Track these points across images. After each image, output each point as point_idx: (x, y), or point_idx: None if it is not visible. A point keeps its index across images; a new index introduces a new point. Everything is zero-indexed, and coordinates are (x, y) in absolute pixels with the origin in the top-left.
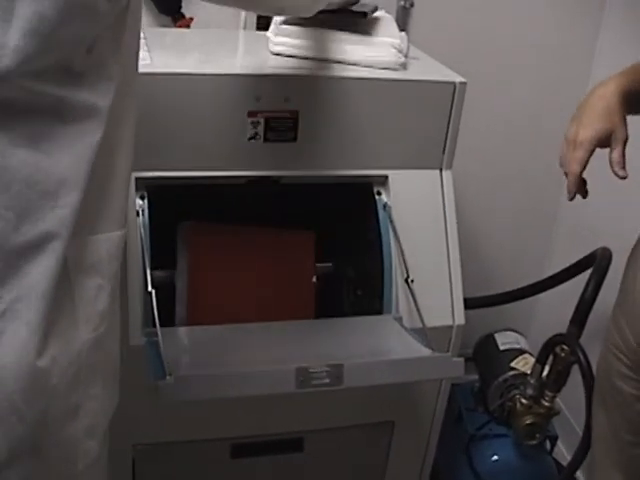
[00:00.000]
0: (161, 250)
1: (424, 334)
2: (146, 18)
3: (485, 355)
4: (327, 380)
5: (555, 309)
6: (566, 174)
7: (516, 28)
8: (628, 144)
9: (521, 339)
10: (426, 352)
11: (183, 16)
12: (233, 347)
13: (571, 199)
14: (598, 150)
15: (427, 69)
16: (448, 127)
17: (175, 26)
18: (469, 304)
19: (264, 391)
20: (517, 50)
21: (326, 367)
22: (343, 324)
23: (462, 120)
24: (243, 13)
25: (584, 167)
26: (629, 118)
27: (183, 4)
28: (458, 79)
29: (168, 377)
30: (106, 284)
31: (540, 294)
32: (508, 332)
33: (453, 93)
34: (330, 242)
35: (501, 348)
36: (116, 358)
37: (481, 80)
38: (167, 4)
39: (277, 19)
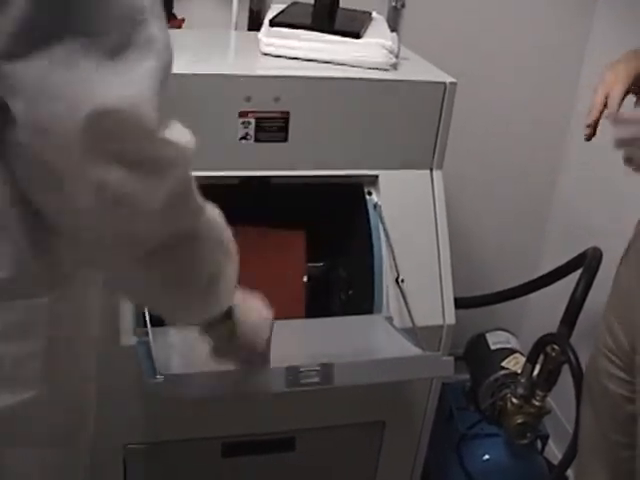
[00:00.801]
0: None
1: (414, 334)
2: None
3: (476, 355)
4: (317, 379)
5: (546, 309)
6: (595, 111)
7: (507, 29)
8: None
9: (512, 339)
10: (416, 351)
11: (174, 16)
12: None
13: (590, 134)
14: (590, 154)
15: (418, 69)
16: (438, 127)
17: None
18: (460, 304)
19: (254, 390)
20: (508, 51)
21: (316, 366)
22: (333, 324)
23: (452, 121)
24: (234, 14)
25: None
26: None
27: (174, 4)
28: (448, 79)
29: (158, 376)
30: (38, 348)
31: (531, 294)
32: (499, 332)
33: (443, 93)
34: (321, 242)
35: (492, 348)
36: (66, 413)
37: (471, 81)
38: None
39: (268, 20)
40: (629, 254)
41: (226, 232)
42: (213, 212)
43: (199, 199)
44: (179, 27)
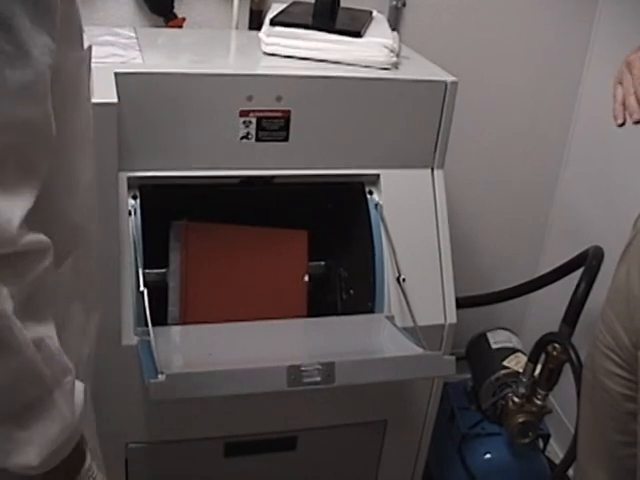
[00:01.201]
0: (154, 249)
1: (416, 333)
2: (138, 18)
3: (477, 354)
4: (319, 378)
5: (547, 308)
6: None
7: (509, 27)
8: (622, 145)
9: (513, 338)
10: (418, 351)
11: (175, 16)
12: (225, 346)
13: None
14: (592, 153)
15: (419, 68)
16: (439, 126)
17: (167, 26)
18: (462, 303)
19: (256, 389)
20: (510, 49)
21: (318, 365)
22: (335, 323)
23: (453, 120)
24: (235, 13)
25: None
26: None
27: (175, 4)
28: (450, 78)
29: (160, 376)
30: None
31: (532, 293)
32: (500, 331)
33: (444, 92)
34: (322, 241)
35: (493, 347)
36: None
37: (472, 80)
38: (159, 4)
39: (269, 19)
40: (629, 249)
41: (60, 374)
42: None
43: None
44: (180, 27)
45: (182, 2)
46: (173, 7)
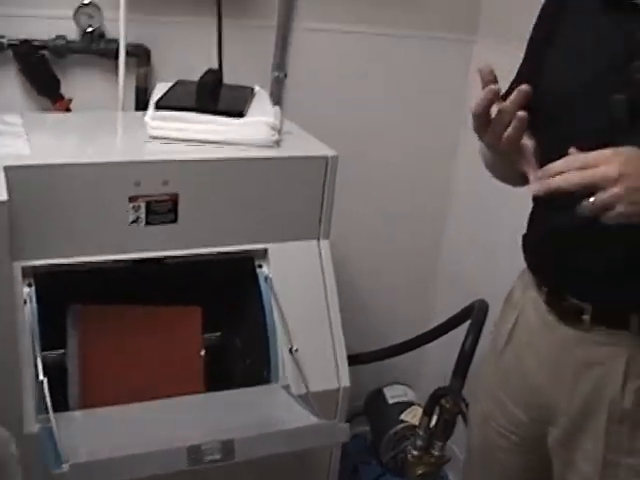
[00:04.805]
0: (53, 330)
1: (309, 401)
2: (25, 101)
3: (375, 409)
4: (219, 456)
5: (441, 360)
6: None
7: (388, 100)
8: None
9: (409, 391)
10: (313, 420)
11: (62, 97)
12: (127, 428)
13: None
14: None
15: (300, 144)
16: (323, 199)
17: (54, 106)
18: (359, 359)
19: (159, 471)
20: (392, 117)
21: (217, 443)
22: (233, 396)
23: (339, 188)
24: (121, 93)
25: None
26: None
27: (62, 84)
28: (330, 153)
29: (64, 465)
30: None
31: (426, 346)
32: (396, 385)
33: (326, 166)
34: (218, 313)
35: (390, 402)
36: None
37: (355, 148)
38: (46, 86)
39: (154, 102)
40: (514, 331)
41: None
42: None
43: None
44: (67, 107)
45: (68, 83)
46: (59, 88)
